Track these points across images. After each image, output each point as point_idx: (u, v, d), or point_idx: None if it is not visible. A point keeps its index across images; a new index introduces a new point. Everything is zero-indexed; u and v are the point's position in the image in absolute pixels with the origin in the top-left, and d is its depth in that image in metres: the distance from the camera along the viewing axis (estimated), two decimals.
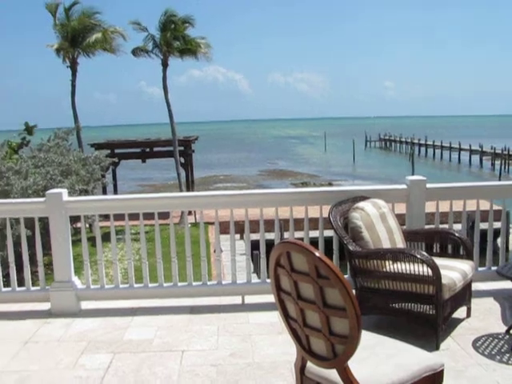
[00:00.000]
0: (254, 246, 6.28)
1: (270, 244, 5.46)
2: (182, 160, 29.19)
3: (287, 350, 4.39)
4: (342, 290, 2.45)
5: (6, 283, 5.78)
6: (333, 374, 2.76)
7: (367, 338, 3.04)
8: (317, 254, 2.49)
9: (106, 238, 5.91)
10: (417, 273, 4.40)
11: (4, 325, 5.33)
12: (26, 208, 5.75)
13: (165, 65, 28.72)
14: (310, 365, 2.98)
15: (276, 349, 4.52)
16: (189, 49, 28.78)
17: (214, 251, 12.69)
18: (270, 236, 5.50)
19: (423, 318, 4.52)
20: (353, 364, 2.69)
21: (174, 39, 28.34)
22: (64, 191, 5.52)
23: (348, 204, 5.11)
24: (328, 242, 5.46)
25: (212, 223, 5.78)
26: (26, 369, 4.36)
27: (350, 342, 2.56)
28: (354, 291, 4.68)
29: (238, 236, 9.49)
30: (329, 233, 5.17)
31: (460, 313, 4.97)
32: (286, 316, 2.90)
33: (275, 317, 5.11)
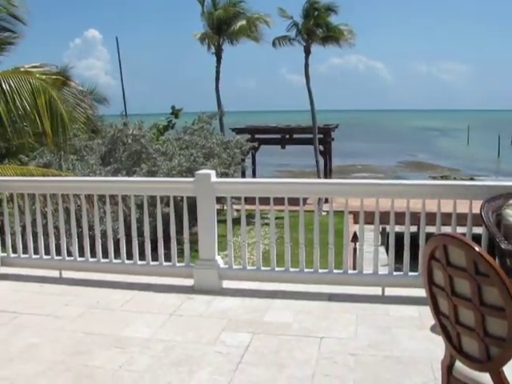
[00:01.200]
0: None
1: (414, 237, 5.36)
2: (321, 148, 29.17)
3: (427, 346, 4.27)
4: (502, 289, 2.31)
5: (154, 258, 6.07)
6: (484, 377, 2.62)
7: None
8: (477, 249, 2.37)
9: (238, 221, 6.01)
10: None
11: (152, 296, 5.64)
12: (176, 187, 6.02)
13: (307, 52, 28.77)
14: (458, 364, 2.86)
15: (416, 344, 4.41)
16: (331, 36, 28.60)
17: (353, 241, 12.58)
18: (413, 229, 5.35)
19: None
20: (508, 370, 2.55)
21: (316, 26, 28.27)
22: (212, 172, 5.71)
23: (501, 200, 4.84)
24: (474, 239, 5.21)
25: (349, 212, 5.70)
26: (171, 339, 4.59)
27: (507, 345, 2.41)
28: None
29: (372, 227, 9.30)
30: (475, 230, 4.94)
31: None
32: (437, 311, 2.79)
33: (416, 311, 4.98)
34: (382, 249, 15.93)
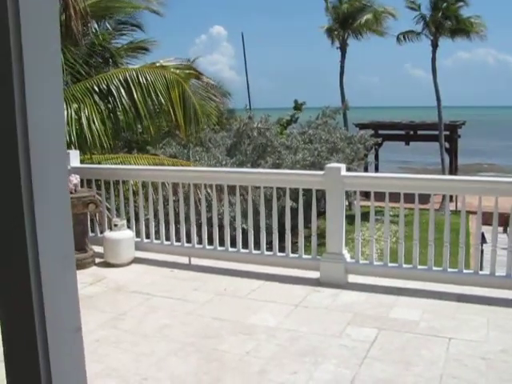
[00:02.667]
0: None
1: None
2: (447, 145, 28.26)
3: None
4: None
5: (281, 249, 6.15)
6: None
7: None
8: None
9: (363, 217, 5.94)
10: None
11: (278, 287, 5.74)
12: (305, 180, 6.08)
13: (434, 46, 27.93)
14: None
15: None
16: (461, 29, 27.58)
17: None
18: None
19: None
20: None
21: (445, 19, 27.36)
22: (342, 166, 5.71)
23: None
24: None
25: (473, 212, 5.50)
26: (297, 329, 4.67)
27: None
28: None
29: (500, 229, 8.86)
30: None
31: None
32: None
33: None
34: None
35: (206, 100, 10.81)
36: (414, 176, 6.16)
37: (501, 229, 5.73)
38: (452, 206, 20.17)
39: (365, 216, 6.13)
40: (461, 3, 27.60)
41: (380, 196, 5.68)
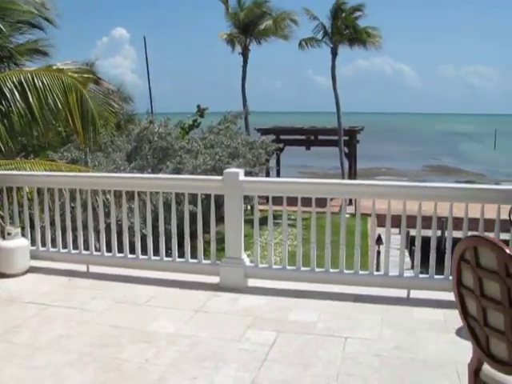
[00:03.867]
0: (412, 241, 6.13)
1: (427, 241, 5.34)
2: (346, 150, 29.12)
3: (453, 349, 4.26)
4: None
5: (180, 255, 6.13)
6: None
7: None
8: (507, 251, 2.38)
9: (262, 222, 6.01)
10: None
11: (178, 293, 5.70)
12: (204, 185, 6.07)
13: (334, 54, 28.73)
14: (485, 367, 2.86)
15: (441, 347, 4.39)
16: (358, 38, 28.53)
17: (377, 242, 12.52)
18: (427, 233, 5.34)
19: None
20: None
21: (344, 28, 28.21)
22: (241, 171, 5.75)
23: None
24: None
25: (369, 215, 5.70)
26: (197, 335, 4.65)
27: None
28: None
29: (396, 230, 9.22)
30: (503, 236, 4.92)
31: None
32: (465, 313, 2.80)
33: (441, 315, 4.97)
34: (405, 252, 15.85)
35: (105, 105, 10.57)
36: (310, 181, 6.30)
37: (397, 230, 5.95)
38: (352, 209, 20.79)
39: (267, 220, 6.16)
40: (358, 13, 28.56)
41: (289, 201, 5.73)
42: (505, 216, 5.15)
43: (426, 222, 5.45)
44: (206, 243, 6.21)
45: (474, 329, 2.79)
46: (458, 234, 4.82)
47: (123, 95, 17.63)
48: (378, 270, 6.73)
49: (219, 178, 5.85)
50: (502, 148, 75.36)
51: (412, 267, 14.01)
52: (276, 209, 5.94)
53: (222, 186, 5.73)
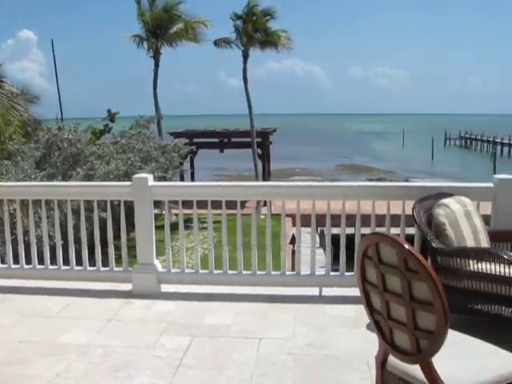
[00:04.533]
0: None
1: (351, 238, 5.46)
2: (260, 151, 29.33)
3: (363, 344, 4.36)
4: (430, 284, 2.41)
5: (92, 263, 5.99)
6: (415, 369, 2.72)
7: (451, 336, 2.97)
8: (406, 246, 2.47)
9: (177, 226, 5.98)
10: (502, 274, 4.27)
11: (90, 302, 5.57)
12: (113, 191, 5.97)
13: (245, 56, 28.88)
14: (391, 358, 2.95)
15: (352, 343, 4.51)
16: (269, 41, 28.80)
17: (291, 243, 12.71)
18: (350, 231, 5.46)
19: (507, 320, 4.39)
20: (436, 361, 2.65)
21: (255, 31, 28.42)
22: (150, 176, 5.69)
23: (431, 200, 5.00)
24: (407, 239, 5.36)
25: (287, 215, 5.78)
26: (110, 344, 4.55)
27: (435, 337, 2.52)
28: None
29: (309, 229, 9.32)
30: (408, 230, 5.10)
31: None
32: (371, 308, 2.88)
33: (352, 311, 5.09)
34: (319, 250, 16.15)
35: (10, 110, 10.19)
36: (220, 184, 6.31)
37: (309, 229, 5.99)
38: (265, 210, 20.94)
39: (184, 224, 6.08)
40: (268, 17, 28.82)
41: (202, 204, 5.69)
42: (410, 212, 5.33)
43: (338, 219, 5.55)
44: (119, 251, 6.09)
45: (379, 322, 2.87)
46: (367, 231, 4.98)
47: (28, 96, 17.01)
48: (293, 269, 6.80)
49: (128, 183, 5.77)
50: (409, 146, 78.23)
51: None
52: (188, 212, 5.91)
53: (131, 191, 5.64)
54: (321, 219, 5.60)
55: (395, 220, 5.44)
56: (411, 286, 2.52)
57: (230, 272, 5.72)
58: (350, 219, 5.62)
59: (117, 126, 21.19)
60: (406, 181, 38.12)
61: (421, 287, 2.48)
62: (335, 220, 5.53)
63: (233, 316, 5.08)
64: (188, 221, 6.77)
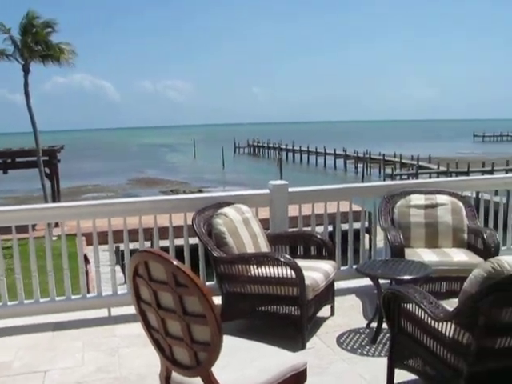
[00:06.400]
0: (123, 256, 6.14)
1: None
2: (47, 170, 28.05)
3: (154, 361, 4.24)
4: (200, 297, 2.44)
5: None
6: (197, 382, 2.73)
7: (231, 343, 3.04)
8: (174, 262, 2.47)
9: None
10: (281, 275, 4.49)
11: None
12: None
13: (26, 70, 27.44)
14: (175, 374, 2.94)
15: (143, 360, 4.43)
16: (51, 55, 27.66)
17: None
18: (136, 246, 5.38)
19: (289, 319, 4.62)
20: (217, 370, 2.68)
21: (35, 44, 27.12)
22: None
23: (211, 210, 5.12)
24: (195, 249, 5.44)
25: (82, 234, 5.55)
26: None
27: (212, 348, 2.55)
28: (220, 297, 4.74)
29: (106, 247, 9.08)
30: (195, 240, 5.18)
31: (324, 311, 5.15)
32: (148, 326, 2.85)
33: (140, 328, 5.00)
34: (117, 268, 15.84)
35: None
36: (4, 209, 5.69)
37: (106, 246, 5.74)
38: (58, 231, 20.04)
39: None
40: (49, 29, 27.63)
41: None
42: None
43: (134, 234, 5.47)
44: None
45: (158, 340, 2.85)
46: (165, 243, 5.00)
47: None
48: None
49: None
50: (200, 156, 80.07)
51: (125, 282, 14.07)
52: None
53: None
54: (116, 235, 5.49)
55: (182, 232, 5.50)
56: (183, 300, 2.53)
57: (9, 303, 5.31)
58: (147, 232, 5.53)
59: None
60: (200, 191, 38.95)
61: (192, 301, 2.50)
62: (134, 235, 5.46)
63: (15, 351, 4.70)
64: None
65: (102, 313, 5.45)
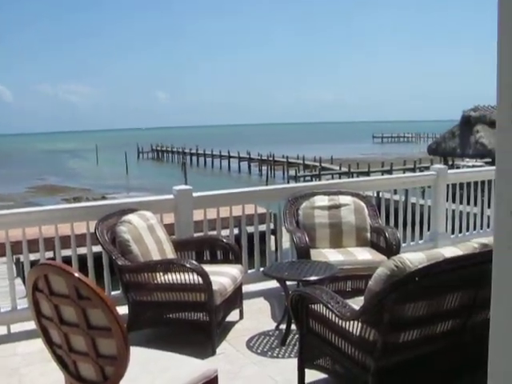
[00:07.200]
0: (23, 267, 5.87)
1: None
2: None
3: (58, 377, 4.13)
4: (104, 309, 2.35)
5: None
6: None
7: (139, 354, 2.96)
8: (76, 274, 2.37)
9: None
10: (188, 282, 4.44)
11: None
12: None
13: None
14: None
15: (46, 378, 4.22)
16: None
17: None
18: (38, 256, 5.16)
19: (198, 325, 4.58)
20: (130, 382, 2.60)
21: None
22: None
23: (115, 218, 4.98)
24: (100, 257, 5.28)
25: None
26: None
27: (119, 362, 2.47)
28: (127, 307, 4.62)
29: (4, 259, 8.73)
30: (100, 248, 5.02)
31: (233, 316, 5.13)
32: (50, 343, 2.73)
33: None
34: (19, 280, 15.20)
35: None
36: None
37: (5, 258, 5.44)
38: None
39: None
40: None
41: None
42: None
43: (35, 245, 5.22)
44: None
45: (61, 356, 2.72)
46: (67, 253, 4.79)
47: None
48: None
49: None
50: (103, 162, 78.33)
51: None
52: None
53: None
54: (15, 246, 5.21)
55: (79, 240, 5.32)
56: (86, 314, 2.43)
57: None
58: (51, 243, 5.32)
59: None
60: (103, 197, 38.10)
61: (96, 314, 2.41)
62: (35, 245, 5.23)
63: None
64: None
65: (1, 330, 5.17)
